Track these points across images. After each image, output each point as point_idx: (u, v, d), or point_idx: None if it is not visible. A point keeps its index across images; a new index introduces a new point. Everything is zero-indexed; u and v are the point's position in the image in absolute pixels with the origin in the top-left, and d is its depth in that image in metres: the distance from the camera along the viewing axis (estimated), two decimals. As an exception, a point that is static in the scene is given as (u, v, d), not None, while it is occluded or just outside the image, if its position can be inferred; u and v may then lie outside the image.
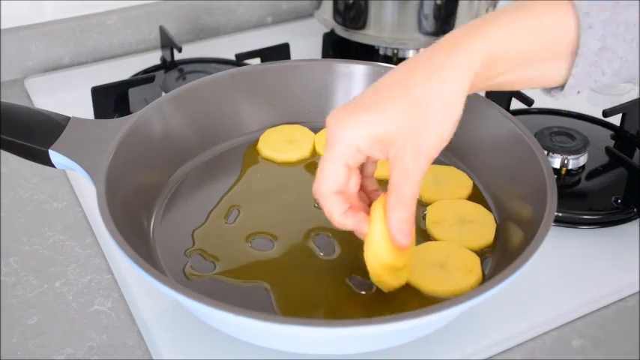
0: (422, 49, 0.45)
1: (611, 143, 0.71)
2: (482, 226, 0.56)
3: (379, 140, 0.46)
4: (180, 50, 0.82)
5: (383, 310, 0.49)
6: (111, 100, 0.75)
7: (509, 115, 0.60)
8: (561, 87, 0.48)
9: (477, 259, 0.53)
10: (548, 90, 0.49)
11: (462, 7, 0.80)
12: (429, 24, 0.80)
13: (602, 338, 0.53)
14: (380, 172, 0.62)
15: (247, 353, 0.51)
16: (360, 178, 0.49)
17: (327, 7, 0.84)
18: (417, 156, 0.45)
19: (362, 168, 0.51)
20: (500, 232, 0.56)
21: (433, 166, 0.62)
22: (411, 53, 0.86)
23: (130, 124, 0.57)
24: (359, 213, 0.48)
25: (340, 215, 0.48)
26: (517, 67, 0.47)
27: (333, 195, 0.47)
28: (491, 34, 0.46)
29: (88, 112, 0.75)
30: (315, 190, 0.48)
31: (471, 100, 0.62)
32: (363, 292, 0.51)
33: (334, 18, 0.83)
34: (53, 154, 0.55)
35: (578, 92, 0.48)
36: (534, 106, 0.74)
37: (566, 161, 0.67)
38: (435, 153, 0.46)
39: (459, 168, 0.62)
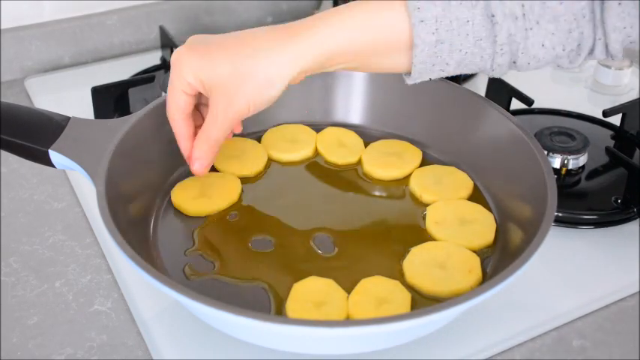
0: (273, 26, 0.54)
1: (611, 143, 0.71)
2: (483, 226, 0.56)
3: (203, 84, 0.52)
4: (180, 50, 0.82)
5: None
6: (111, 100, 0.75)
7: (509, 115, 0.60)
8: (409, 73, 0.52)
9: (477, 259, 0.53)
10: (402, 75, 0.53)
11: (462, 7, 0.80)
12: (429, 24, 0.79)
13: (602, 338, 0.53)
14: (381, 174, 0.63)
15: (247, 353, 0.51)
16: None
17: (327, 7, 0.84)
18: (225, 111, 0.52)
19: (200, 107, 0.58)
20: (500, 232, 0.56)
21: (434, 167, 0.63)
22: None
23: (130, 124, 0.57)
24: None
25: (187, 139, 0.56)
26: (355, 59, 0.52)
27: (182, 119, 0.55)
28: (325, 33, 0.51)
29: (88, 112, 0.75)
30: (168, 114, 0.55)
31: (471, 100, 0.63)
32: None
33: (334, 18, 0.83)
34: (53, 154, 0.55)
35: (430, 79, 0.52)
36: (534, 106, 0.74)
37: (566, 161, 0.67)
38: (240, 115, 0.53)
39: (459, 168, 0.62)
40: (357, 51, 0.51)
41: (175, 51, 0.54)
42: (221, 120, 0.53)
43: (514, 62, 0.50)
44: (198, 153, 0.55)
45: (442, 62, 0.50)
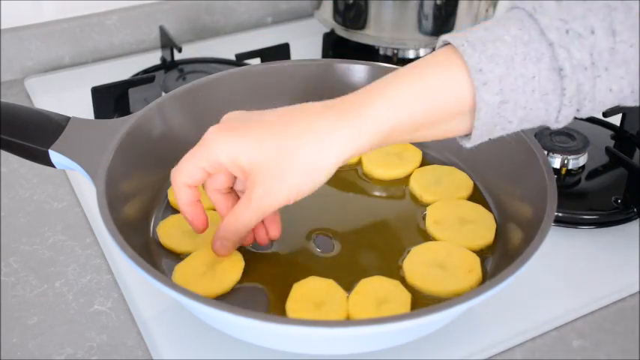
0: (323, 102, 0.48)
1: (611, 143, 0.71)
2: (483, 226, 0.56)
3: (240, 166, 0.48)
4: (180, 50, 0.82)
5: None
6: (111, 100, 0.75)
7: (509, 115, 0.60)
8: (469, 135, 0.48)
9: (476, 259, 0.53)
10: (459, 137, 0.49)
11: (462, 7, 0.80)
12: (429, 24, 0.80)
13: (602, 338, 0.53)
14: (381, 173, 0.63)
15: (247, 353, 0.51)
16: (233, 180, 0.52)
17: (327, 7, 0.84)
18: (260, 199, 0.47)
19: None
20: (500, 232, 0.56)
21: (434, 167, 0.63)
22: (411, 53, 0.86)
23: (130, 124, 0.57)
24: (199, 208, 0.52)
25: (184, 204, 0.51)
26: (416, 130, 0.47)
27: (184, 186, 0.50)
28: (381, 110, 0.46)
29: (88, 112, 0.75)
30: (172, 176, 0.50)
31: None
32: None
33: (334, 18, 0.83)
34: (53, 154, 0.55)
35: (490, 139, 0.48)
36: (534, 106, 0.74)
37: (566, 161, 0.67)
38: (279, 204, 0.48)
39: (459, 168, 0.62)
40: (416, 124, 0.47)
41: (211, 129, 0.49)
42: (254, 207, 0.48)
43: (578, 110, 0.46)
44: (222, 233, 0.50)
45: (505, 121, 0.46)
